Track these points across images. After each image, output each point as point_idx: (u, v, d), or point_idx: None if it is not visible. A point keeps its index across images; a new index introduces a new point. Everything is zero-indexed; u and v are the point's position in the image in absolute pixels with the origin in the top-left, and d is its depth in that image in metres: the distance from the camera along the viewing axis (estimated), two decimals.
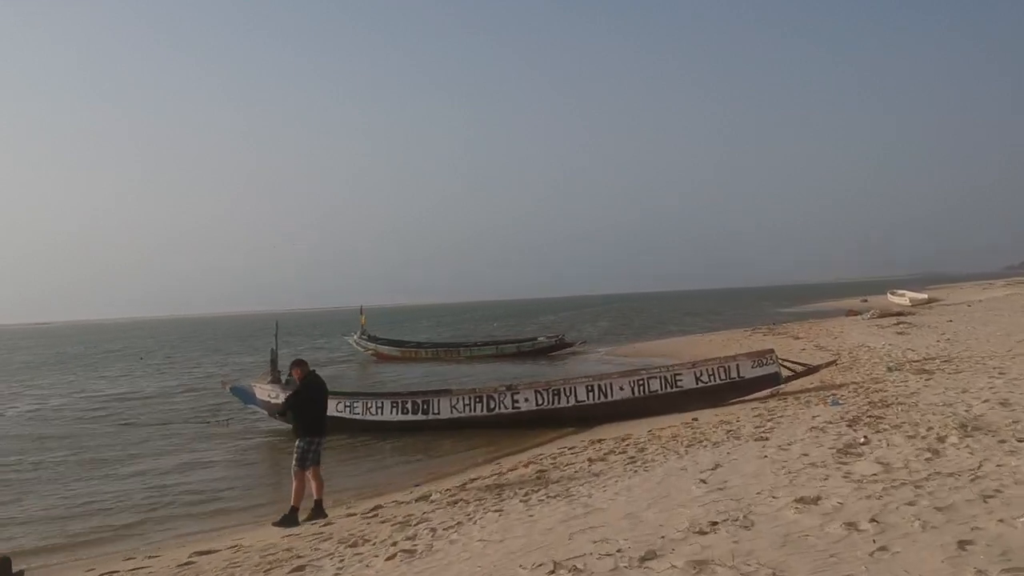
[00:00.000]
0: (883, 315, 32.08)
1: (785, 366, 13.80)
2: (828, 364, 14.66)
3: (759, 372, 13.49)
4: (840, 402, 10.67)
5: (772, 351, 13.70)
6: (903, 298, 62.18)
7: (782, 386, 13.68)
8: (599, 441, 10.84)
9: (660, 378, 13.64)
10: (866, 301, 68.83)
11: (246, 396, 15.95)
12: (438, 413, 14.18)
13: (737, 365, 13.52)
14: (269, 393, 15.50)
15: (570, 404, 13.79)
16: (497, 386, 14.33)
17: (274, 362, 15.74)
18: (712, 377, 13.54)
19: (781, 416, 10.23)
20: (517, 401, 13.94)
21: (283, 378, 15.72)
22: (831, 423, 8.98)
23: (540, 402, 13.86)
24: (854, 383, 13.49)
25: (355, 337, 34.61)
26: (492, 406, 14.01)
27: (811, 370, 13.96)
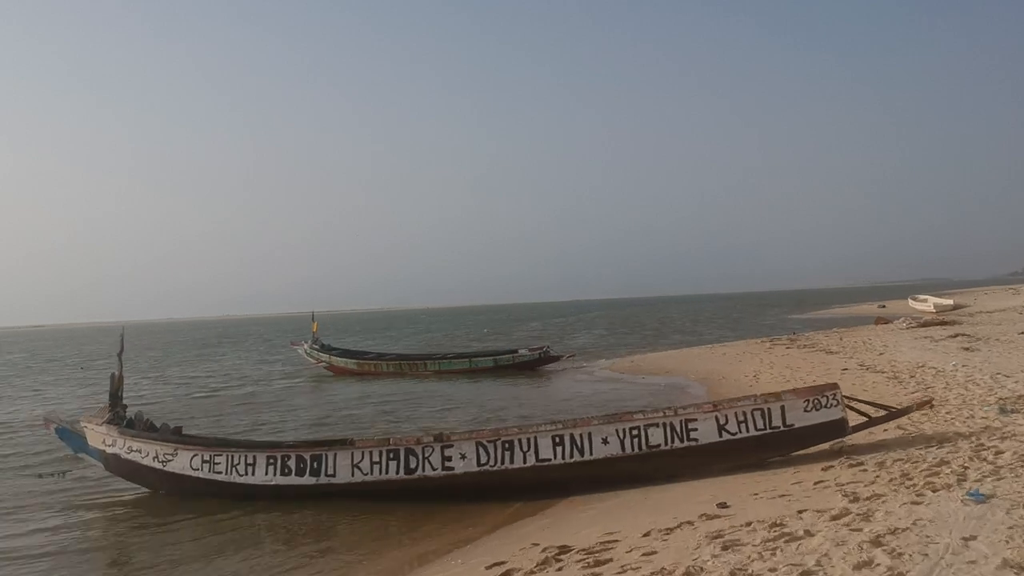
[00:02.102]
0: (927, 323, 27.42)
1: (852, 408, 9.15)
2: (921, 405, 9.91)
3: (815, 419, 8.83)
4: (984, 496, 6.01)
5: (836, 387, 9.01)
6: (926, 304, 57.57)
7: (846, 439, 9.07)
8: (557, 560, 6.16)
9: (665, 426, 8.98)
10: (884, 307, 64.23)
11: (75, 441, 11.31)
12: (333, 475, 9.54)
13: (782, 408, 8.86)
14: (104, 439, 10.86)
15: (528, 464, 9.14)
16: (421, 436, 9.63)
17: (115, 395, 11.08)
18: (745, 425, 8.88)
19: (885, 520, 5.57)
20: (450, 458, 9.29)
21: (126, 414, 11.09)
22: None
23: (484, 460, 9.21)
24: (958, 435, 8.85)
25: (306, 347, 29.86)
26: (413, 465, 9.35)
27: (894, 415, 9.29)
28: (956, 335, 21.34)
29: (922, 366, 16.25)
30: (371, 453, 9.47)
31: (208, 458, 10.07)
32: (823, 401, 8.86)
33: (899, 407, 9.52)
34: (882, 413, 9.19)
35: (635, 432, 9.01)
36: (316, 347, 29.35)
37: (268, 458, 9.82)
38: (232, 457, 9.97)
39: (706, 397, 17.50)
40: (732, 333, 43.20)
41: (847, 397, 9.16)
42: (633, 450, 8.97)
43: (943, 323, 26.91)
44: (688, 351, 28.46)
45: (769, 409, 8.88)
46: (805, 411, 8.85)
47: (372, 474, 9.42)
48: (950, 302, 54.98)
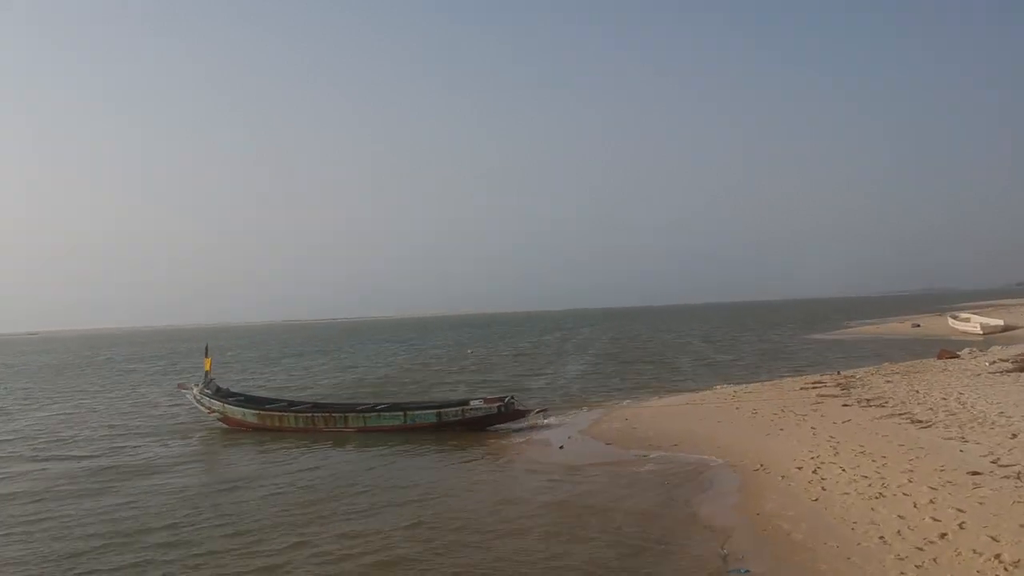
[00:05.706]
0: None
1: None
2: None
3: None
4: None
5: None
6: (969, 324, 50.24)
7: None
8: None
9: None
10: (919, 326, 56.88)
11: None
12: None
13: None
14: None
15: None
16: None
17: None
18: None
19: None
20: None
21: None
22: None
23: None
24: None
25: (195, 391, 22.31)
26: None
27: None
28: None
29: None
30: None
31: None
32: None
33: None
34: None
35: None
36: (208, 392, 21.83)
37: None
38: None
39: (738, 515, 10.25)
40: (748, 363, 36.03)
41: None
42: None
43: None
44: (701, 402, 21.08)
45: None
46: None
47: None
48: (999, 322, 47.71)
